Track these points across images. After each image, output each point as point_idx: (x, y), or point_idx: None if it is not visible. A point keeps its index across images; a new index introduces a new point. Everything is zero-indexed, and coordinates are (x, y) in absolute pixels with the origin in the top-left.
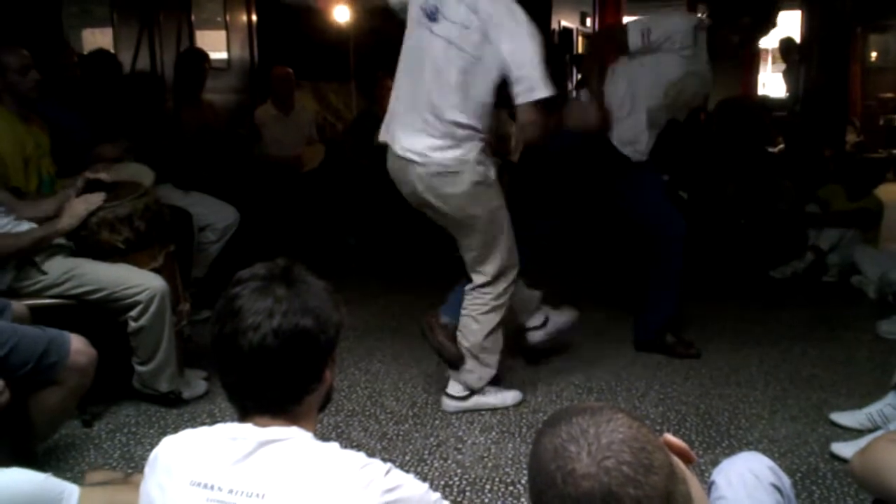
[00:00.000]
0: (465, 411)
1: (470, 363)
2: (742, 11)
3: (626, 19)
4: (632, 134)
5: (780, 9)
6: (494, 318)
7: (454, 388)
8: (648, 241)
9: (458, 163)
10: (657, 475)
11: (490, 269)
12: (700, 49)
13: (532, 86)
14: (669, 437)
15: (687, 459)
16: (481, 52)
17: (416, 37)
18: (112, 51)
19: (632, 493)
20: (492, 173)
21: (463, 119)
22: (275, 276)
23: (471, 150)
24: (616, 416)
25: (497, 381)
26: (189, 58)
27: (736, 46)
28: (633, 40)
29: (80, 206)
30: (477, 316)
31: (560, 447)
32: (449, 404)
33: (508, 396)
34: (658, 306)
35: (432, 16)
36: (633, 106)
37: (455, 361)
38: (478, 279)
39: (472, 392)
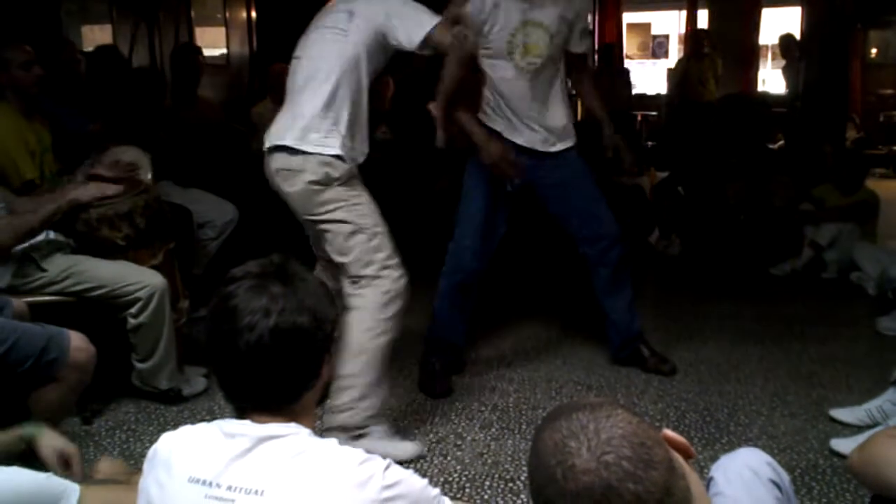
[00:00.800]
0: (473, 406)
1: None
2: None
3: (625, 16)
4: None
5: None
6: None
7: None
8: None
9: None
10: (657, 470)
11: None
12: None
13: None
14: (668, 432)
15: (686, 455)
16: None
17: None
18: None
19: (631, 489)
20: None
21: None
22: (269, 274)
23: None
24: (616, 411)
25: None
26: (183, 54)
27: None
28: (474, 6)
29: (95, 188)
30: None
31: (560, 443)
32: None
33: (404, 448)
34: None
35: None
36: None
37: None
38: None
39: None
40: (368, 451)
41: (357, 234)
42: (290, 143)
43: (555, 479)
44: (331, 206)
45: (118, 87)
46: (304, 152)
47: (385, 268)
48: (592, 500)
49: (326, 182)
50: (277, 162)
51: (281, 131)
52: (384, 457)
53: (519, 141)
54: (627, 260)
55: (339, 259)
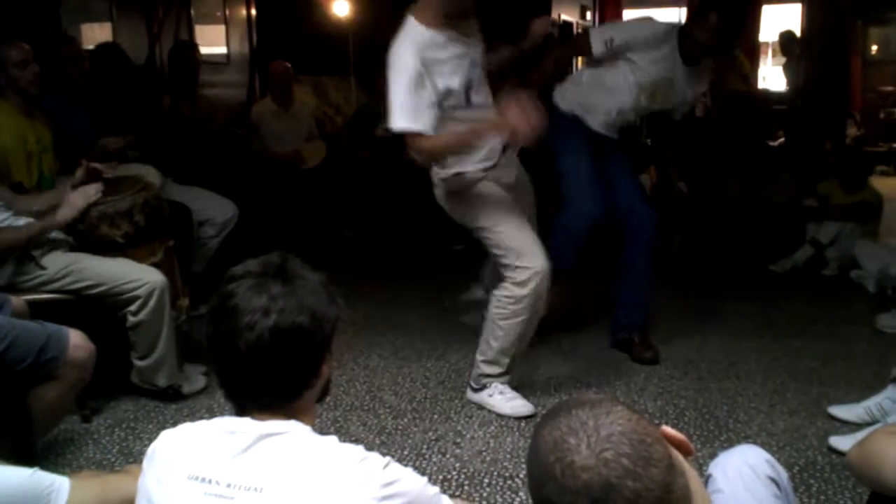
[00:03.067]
0: (472, 404)
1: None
2: (709, 8)
3: (625, 14)
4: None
5: (748, 8)
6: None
7: (473, 379)
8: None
9: None
10: (656, 467)
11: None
12: (669, 55)
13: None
14: (667, 429)
15: (685, 451)
16: None
17: None
18: None
19: (630, 486)
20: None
21: None
22: (269, 273)
23: None
24: (615, 408)
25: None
26: (179, 51)
27: (705, 46)
28: (597, 47)
29: (78, 199)
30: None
31: (559, 439)
32: (469, 394)
33: (509, 406)
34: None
35: None
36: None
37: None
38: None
39: (483, 387)
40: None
41: None
42: None
43: (554, 476)
44: None
45: (121, 86)
46: None
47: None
48: (591, 498)
49: None
50: None
51: None
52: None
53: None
54: (654, 249)
55: None
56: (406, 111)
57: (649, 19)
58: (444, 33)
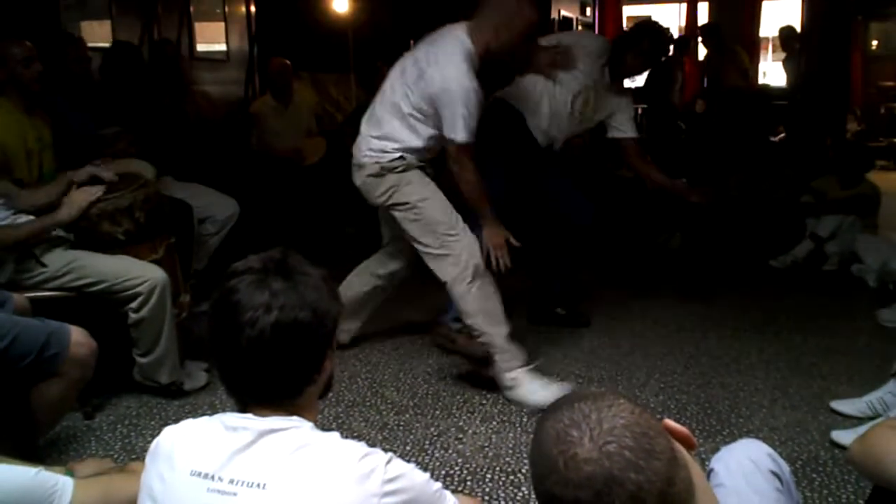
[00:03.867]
0: (473, 399)
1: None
2: (643, 35)
3: (625, 10)
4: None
5: (672, 38)
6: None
7: (502, 380)
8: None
9: None
10: (659, 461)
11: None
12: (599, 69)
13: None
14: (670, 422)
15: (688, 445)
16: None
17: None
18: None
19: (633, 478)
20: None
21: None
22: (270, 269)
23: None
24: (618, 401)
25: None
26: (157, 49)
27: (631, 67)
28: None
29: (80, 197)
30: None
31: (562, 432)
32: (509, 395)
33: (554, 389)
34: (551, 283)
35: None
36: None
37: (486, 357)
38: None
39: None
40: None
41: None
42: None
43: (557, 469)
44: None
45: (132, 85)
46: None
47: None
48: (594, 490)
49: None
50: None
51: None
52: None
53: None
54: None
55: None
56: (469, 126)
57: (590, 34)
58: (475, 66)
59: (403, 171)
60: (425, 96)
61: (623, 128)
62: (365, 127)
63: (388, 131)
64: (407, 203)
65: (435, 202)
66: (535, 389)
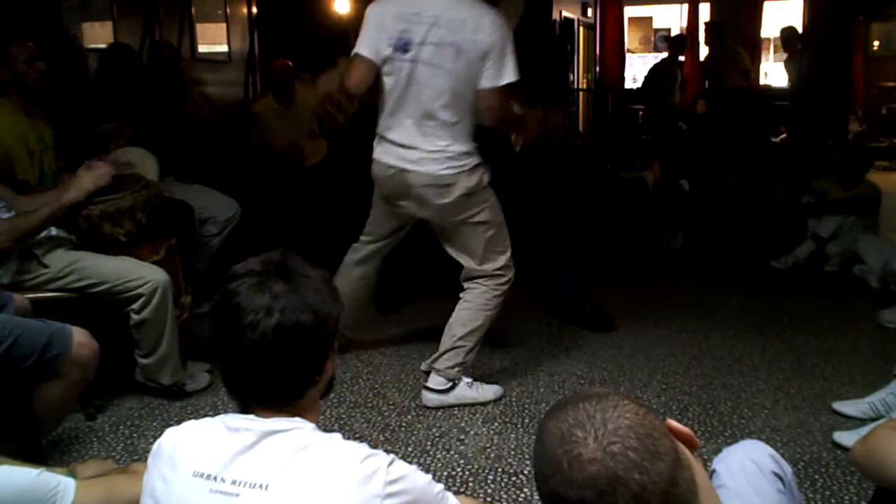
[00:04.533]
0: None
1: (449, 354)
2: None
3: (626, 10)
4: None
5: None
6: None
7: (435, 381)
8: None
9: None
10: (663, 461)
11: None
12: None
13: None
14: (672, 422)
15: (691, 445)
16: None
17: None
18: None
19: (637, 479)
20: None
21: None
22: (271, 271)
23: None
24: (622, 402)
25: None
26: (155, 51)
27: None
28: None
29: (87, 179)
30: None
31: (567, 432)
32: (430, 398)
33: (489, 391)
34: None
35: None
36: None
37: None
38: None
39: (453, 385)
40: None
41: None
42: None
43: (560, 469)
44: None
45: (130, 86)
46: None
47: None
48: (598, 490)
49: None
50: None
51: None
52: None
53: None
54: None
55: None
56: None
57: None
58: None
59: (486, 185)
60: (472, 63)
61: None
62: (421, 141)
63: (452, 133)
64: (488, 223)
65: (504, 224)
66: (480, 390)
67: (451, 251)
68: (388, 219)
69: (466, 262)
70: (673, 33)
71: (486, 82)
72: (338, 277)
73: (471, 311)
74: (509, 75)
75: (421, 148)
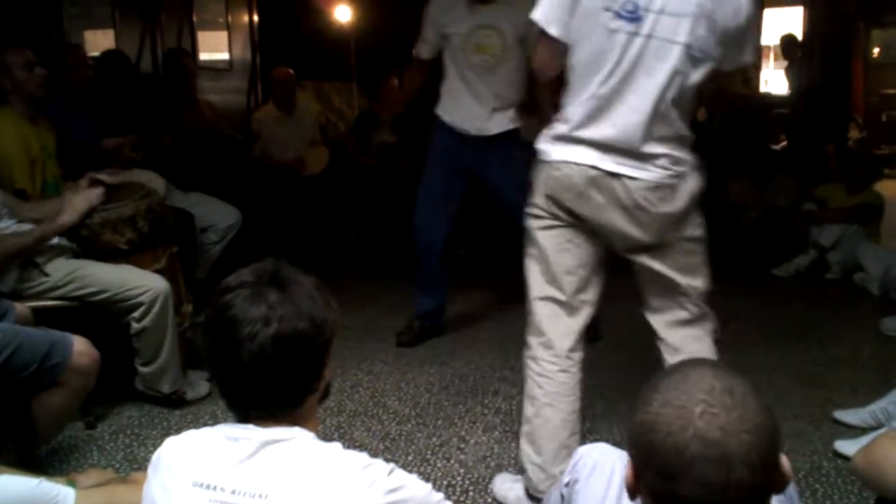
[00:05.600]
0: (475, 409)
1: None
2: None
3: None
4: None
5: None
6: None
7: None
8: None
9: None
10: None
11: None
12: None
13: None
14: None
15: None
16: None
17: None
18: None
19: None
20: None
21: None
22: (264, 281)
23: None
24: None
25: None
26: (173, 58)
27: None
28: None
29: (80, 201)
30: None
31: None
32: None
33: None
34: None
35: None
36: None
37: None
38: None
39: None
40: None
41: None
42: None
43: (677, 436)
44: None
45: (125, 93)
46: None
47: None
48: (710, 461)
49: None
50: None
51: None
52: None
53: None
54: None
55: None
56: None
57: None
58: None
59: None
60: (728, 35)
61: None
62: (655, 131)
63: (677, 129)
64: (701, 235)
65: None
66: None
67: (671, 274)
68: (583, 255)
69: (687, 282)
70: None
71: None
72: None
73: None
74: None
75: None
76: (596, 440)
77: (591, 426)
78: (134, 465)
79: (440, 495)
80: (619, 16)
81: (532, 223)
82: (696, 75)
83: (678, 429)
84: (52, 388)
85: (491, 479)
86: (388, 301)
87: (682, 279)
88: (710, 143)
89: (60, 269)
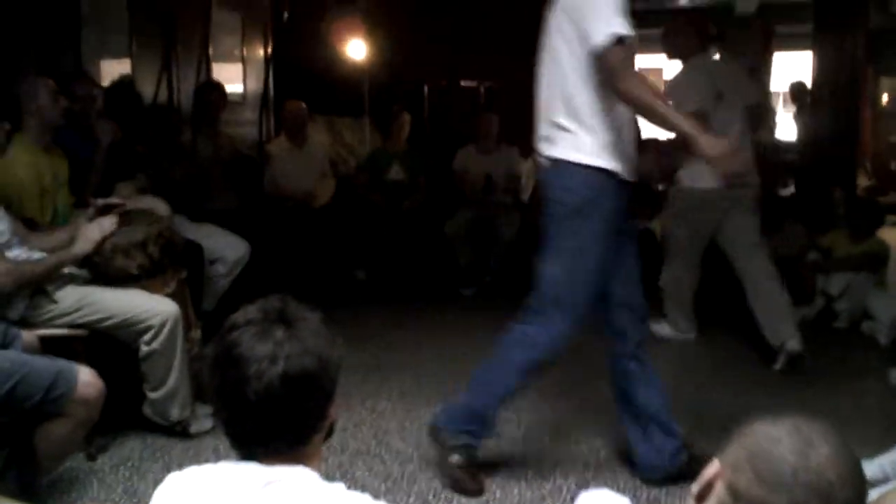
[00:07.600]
0: None
1: None
2: None
3: (636, 60)
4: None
5: None
6: None
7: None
8: None
9: None
10: None
11: None
12: None
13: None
14: None
15: None
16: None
17: None
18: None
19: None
20: None
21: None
22: (271, 318)
23: None
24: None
25: None
26: (206, 90)
27: None
28: None
29: (94, 231)
30: None
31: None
32: None
33: None
34: None
35: None
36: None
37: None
38: None
39: None
40: None
41: None
42: None
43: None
44: None
45: (132, 122)
46: None
47: None
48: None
49: None
50: None
51: None
52: None
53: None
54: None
55: None
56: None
57: None
58: None
59: None
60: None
61: None
62: None
63: None
64: None
65: None
66: None
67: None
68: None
69: None
70: None
71: None
72: None
73: None
74: None
75: None
76: (599, 485)
77: (594, 474)
78: (134, 498)
79: None
80: None
81: None
82: None
83: (800, 454)
84: (55, 419)
85: None
86: (393, 337)
87: None
88: None
89: (70, 297)
